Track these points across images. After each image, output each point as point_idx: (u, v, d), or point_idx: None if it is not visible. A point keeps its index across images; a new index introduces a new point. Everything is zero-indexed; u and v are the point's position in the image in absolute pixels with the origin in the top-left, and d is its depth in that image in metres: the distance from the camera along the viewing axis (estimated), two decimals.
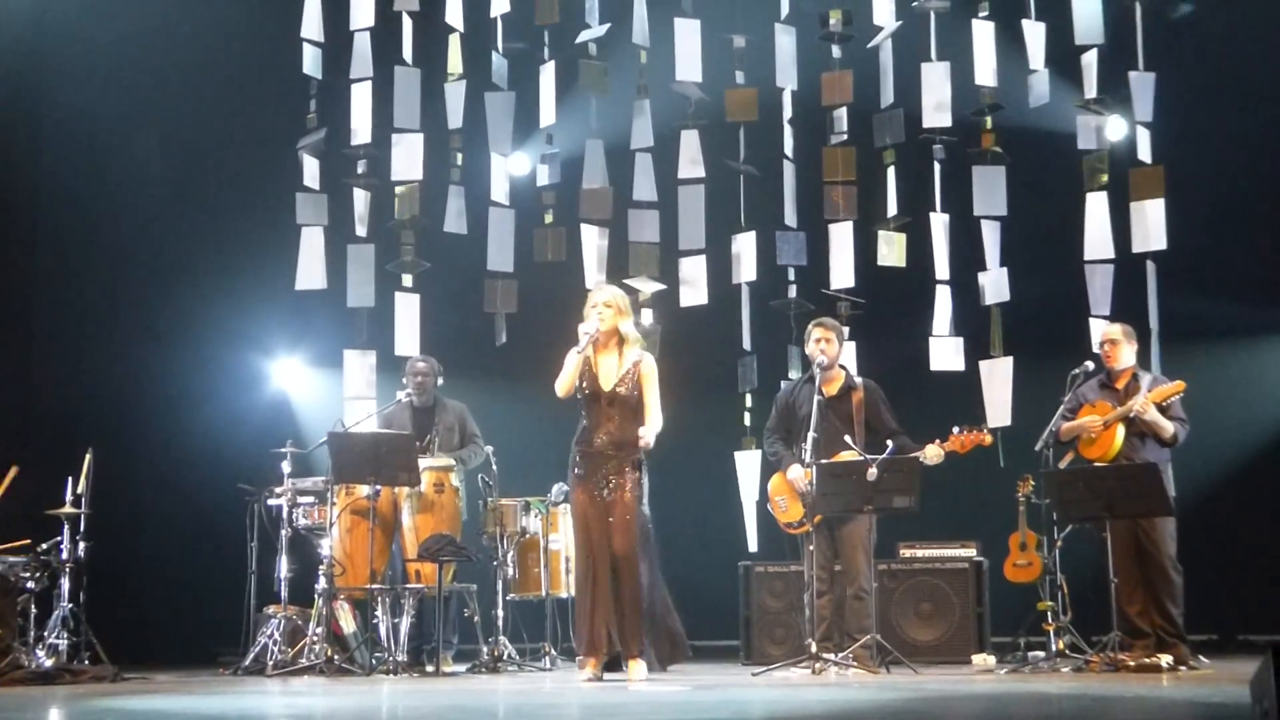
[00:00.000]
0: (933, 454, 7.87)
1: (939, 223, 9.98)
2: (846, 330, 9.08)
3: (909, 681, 7.08)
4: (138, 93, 10.60)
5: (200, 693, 6.92)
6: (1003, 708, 5.33)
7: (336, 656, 8.11)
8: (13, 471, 8.11)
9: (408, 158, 10.30)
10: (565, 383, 7.50)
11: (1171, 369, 8.67)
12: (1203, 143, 9.93)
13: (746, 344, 10.17)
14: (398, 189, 10.38)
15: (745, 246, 10.17)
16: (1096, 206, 9.73)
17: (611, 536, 7.39)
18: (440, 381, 9.21)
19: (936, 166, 10.06)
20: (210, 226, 10.78)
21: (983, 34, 9.90)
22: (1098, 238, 9.69)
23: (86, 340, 10.60)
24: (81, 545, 8.03)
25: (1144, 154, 9.65)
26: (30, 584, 7.94)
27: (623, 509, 7.41)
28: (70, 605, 7.99)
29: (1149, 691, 6.12)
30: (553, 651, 8.69)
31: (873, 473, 7.61)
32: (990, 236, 9.87)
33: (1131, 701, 5.54)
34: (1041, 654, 8.19)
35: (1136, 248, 9.55)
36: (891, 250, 10.04)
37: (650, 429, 7.45)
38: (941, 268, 9.94)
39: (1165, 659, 7.47)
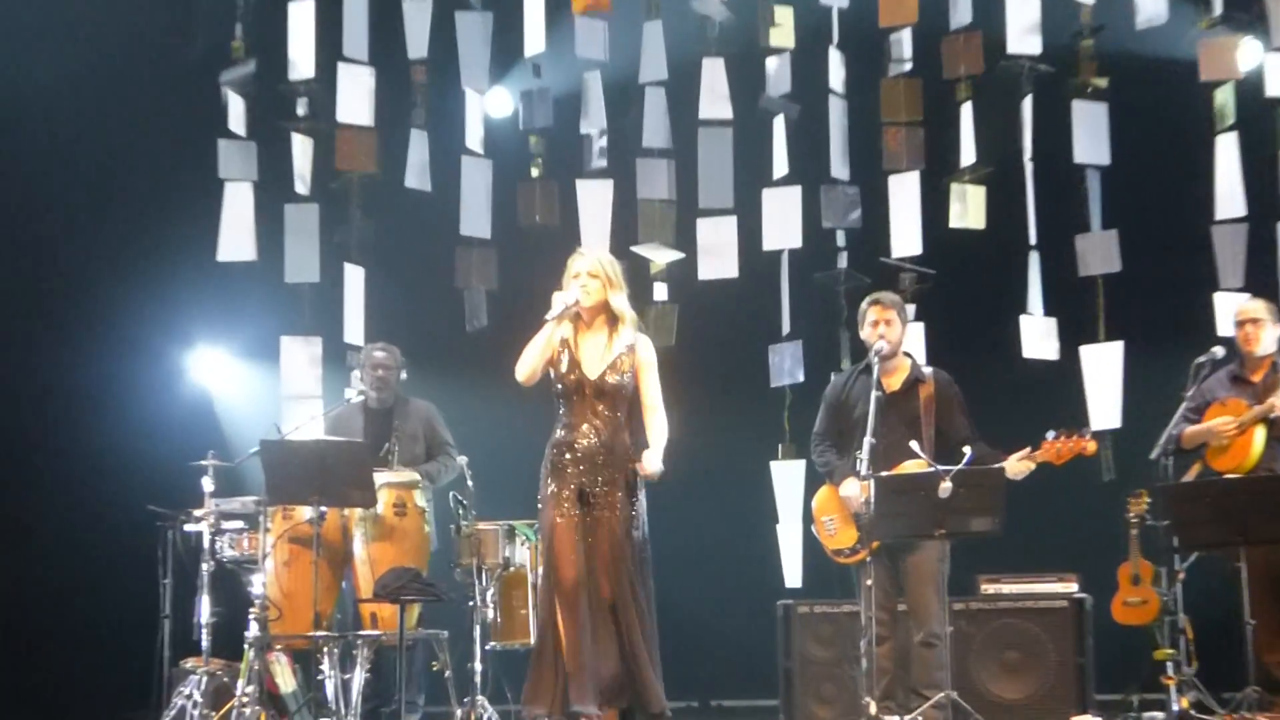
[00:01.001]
0: (1019, 466, 7.80)
1: (1028, 173, 9.92)
2: (912, 310, 9.00)
3: None
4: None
5: None
6: None
7: None
8: None
9: (357, 96, 10.25)
10: (530, 363, 7.32)
11: None
12: None
13: (785, 327, 10.13)
14: (344, 135, 10.34)
15: (783, 205, 10.12)
16: (1226, 153, 9.67)
17: (596, 573, 7.26)
18: (403, 376, 9.21)
19: (1026, 104, 9.99)
20: (111, 183, 10.71)
21: None
22: (1227, 192, 9.66)
23: None
24: None
25: None
26: None
27: (612, 537, 7.25)
28: None
29: None
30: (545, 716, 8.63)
31: (946, 487, 7.54)
32: (1093, 190, 9.82)
33: None
34: (1160, 715, 8.14)
35: None
36: (967, 208, 9.99)
37: (656, 447, 7.32)
38: (1032, 230, 9.88)
39: None
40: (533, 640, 8.51)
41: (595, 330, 7.41)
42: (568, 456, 7.32)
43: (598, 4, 10.15)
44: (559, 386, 7.38)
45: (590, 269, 7.40)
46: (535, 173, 10.46)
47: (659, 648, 7.50)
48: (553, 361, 7.36)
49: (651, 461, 7.27)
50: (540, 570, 7.65)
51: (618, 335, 7.40)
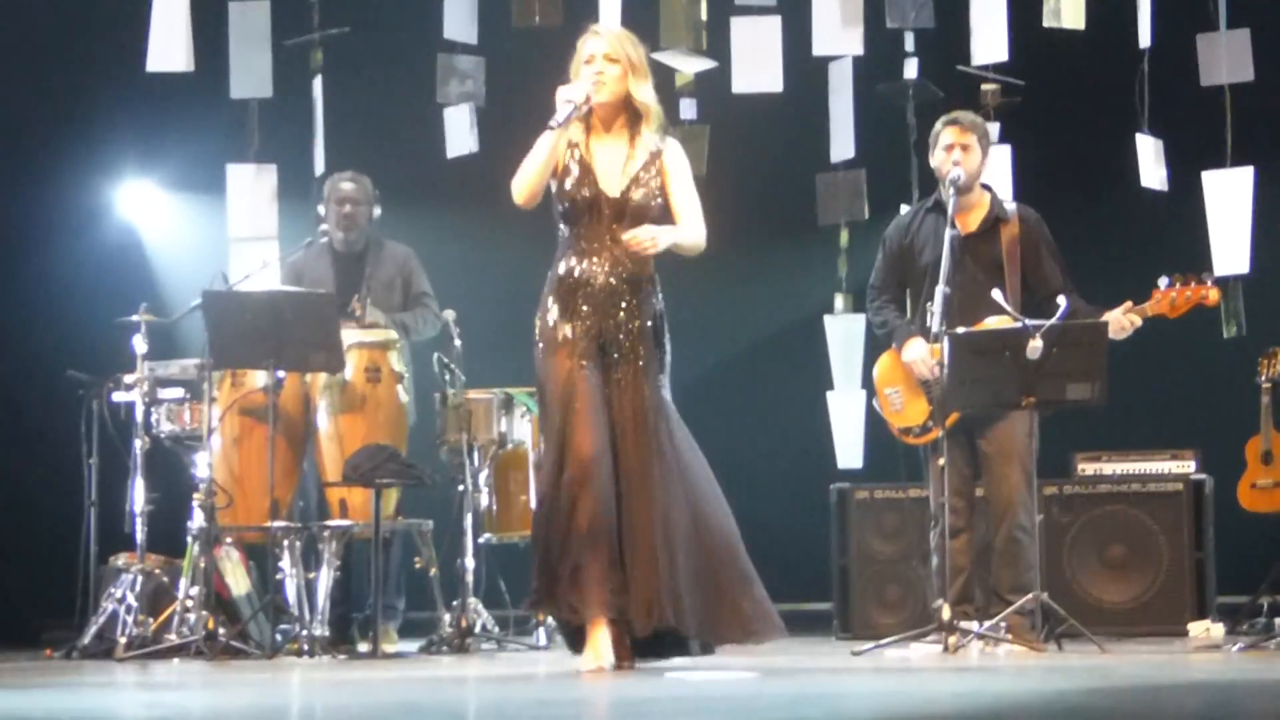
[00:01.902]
0: (1124, 320, 7.81)
1: None
2: (995, 130, 8.96)
3: (1091, 664, 7.09)
4: None
5: (14, 686, 6.96)
6: (1233, 704, 5.32)
7: (221, 630, 8.14)
8: None
9: None
10: (530, 179, 6.87)
11: None
12: None
13: (841, 152, 10.08)
14: None
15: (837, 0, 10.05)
16: None
17: (621, 441, 6.89)
18: (377, 213, 9.22)
19: None
20: None
21: None
22: None
23: None
24: None
25: None
26: None
27: (638, 401, 6.91)
28: None
29: None
30: (548, 619, 8.71)
31: (1036, 346, 7.56)
32: None
33: None
34: None
35: None
36: (1063, 4, 9.91)
37: (684, 230, 6.98)
38: (1145, 31, 9.81)
39: None
40: (534, 529, 8.59)
41: (614, 133, 7.00)
42: (580, 294, 6.91)
43: None
44: (566, 206, 6.95)
45: (608, 51, 6.93)
46: None
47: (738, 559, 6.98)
48: (559, 174, 6.92)
49: (657, 235, 6.85)
50: (542, 442, 7.26)
51: (640, 139, 6.98)
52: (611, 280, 6.89)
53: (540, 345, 6.98)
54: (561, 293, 6.94)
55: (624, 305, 6.91)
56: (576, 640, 6.83)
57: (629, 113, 6.98)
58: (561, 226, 7.01)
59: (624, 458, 6.84)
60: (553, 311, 6.94)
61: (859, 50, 10.06)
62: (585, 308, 6.89)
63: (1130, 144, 9.82)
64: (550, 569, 6.81)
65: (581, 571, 6.72)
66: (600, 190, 6.89)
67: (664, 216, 6.96)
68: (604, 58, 6.90)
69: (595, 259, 6.90)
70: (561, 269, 6.96)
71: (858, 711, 5.08)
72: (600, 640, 6.67)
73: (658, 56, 9.82)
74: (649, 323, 6.94)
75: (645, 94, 6.96)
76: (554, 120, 6.82)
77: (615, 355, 6.89)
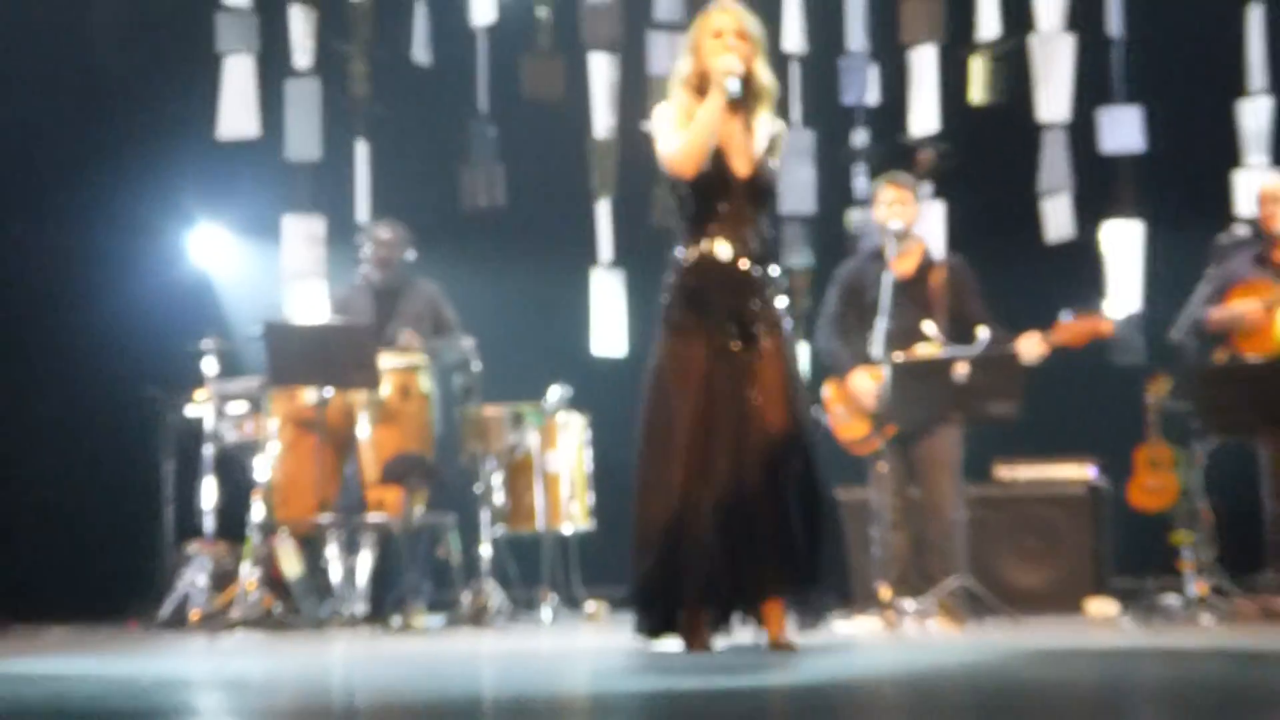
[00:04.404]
0: (1030, 348, 7.79)
1: (1051, 46, 9.87)
2: (927, 189, 9.00)
3: (1007, 637, 7.11)
4: None
5: (106, 651, 6.99)
6: (1127, 669, 5.36)
7: (277, 607, 8.19)
8: None
9: None
10: (699, 148, 5.87)
11: None
12: None
13: (796, 205, 10.08)
14: (351, 6, 10.31)
15: (795, 82, 10.07)
16: (1254, 26, 9.65)
17: (762, 413, 5.92)
18: (410, 255, 9.22)
19: None
20: (103, 62, 10.66)
21: None
22: (1253, 66, 9.63)
23: None
24: None
25: None
26: None
27: (776, 370, 5.98)
28: None
29: None
30: (553, 599, 8.73)
31: (962, 370, 7.59)
32: (1117, 64, 9.79)
33: None
34: (1177, 600, 8.22)
35: None
36: (987, 83, 9.94)
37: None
38: (1053, 105, 9.84)
39: None
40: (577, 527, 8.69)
41: (735, 112, 5.98)
42: (713, 274, 5.97)
43: None
44: (692, 188, 5.99)
45: (739, 27, 5.99)
46: (541, 45, 10.37)
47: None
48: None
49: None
50: (646, 428, 6.00)
51: (759, 119, 6.04)
52: (746, 264, 5.97)
53: (667, 326, 6.03)
54: (688, 281, 6.00)
55: (755, 289, 6.00)
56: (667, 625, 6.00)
57: (750, 90, 6.02)
58: (685, 207, 6.04)
59: (768, 418, 5.91)
60: (681, 294, 6.00)
61: (815, 126, 10.10)
62: (712, 295, 5.96)
63: (1043, 199, 9.88)
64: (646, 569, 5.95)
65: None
66: (731, 169, 5.97)
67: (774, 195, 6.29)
68: (734, 34, 5.97)
69: (724, 241, 5.97)
70: (691, 252, 6.01)
71: (808, 679, 5.10)
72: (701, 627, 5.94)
73: (645, 126, 9.88)
74: (779, 303, 6.07)
75: (767, 74, 6.05)
76: (730, 90, 5.87)
77: (744, 336, 5.95)
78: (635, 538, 5.99)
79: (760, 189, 6.01)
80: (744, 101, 5.96)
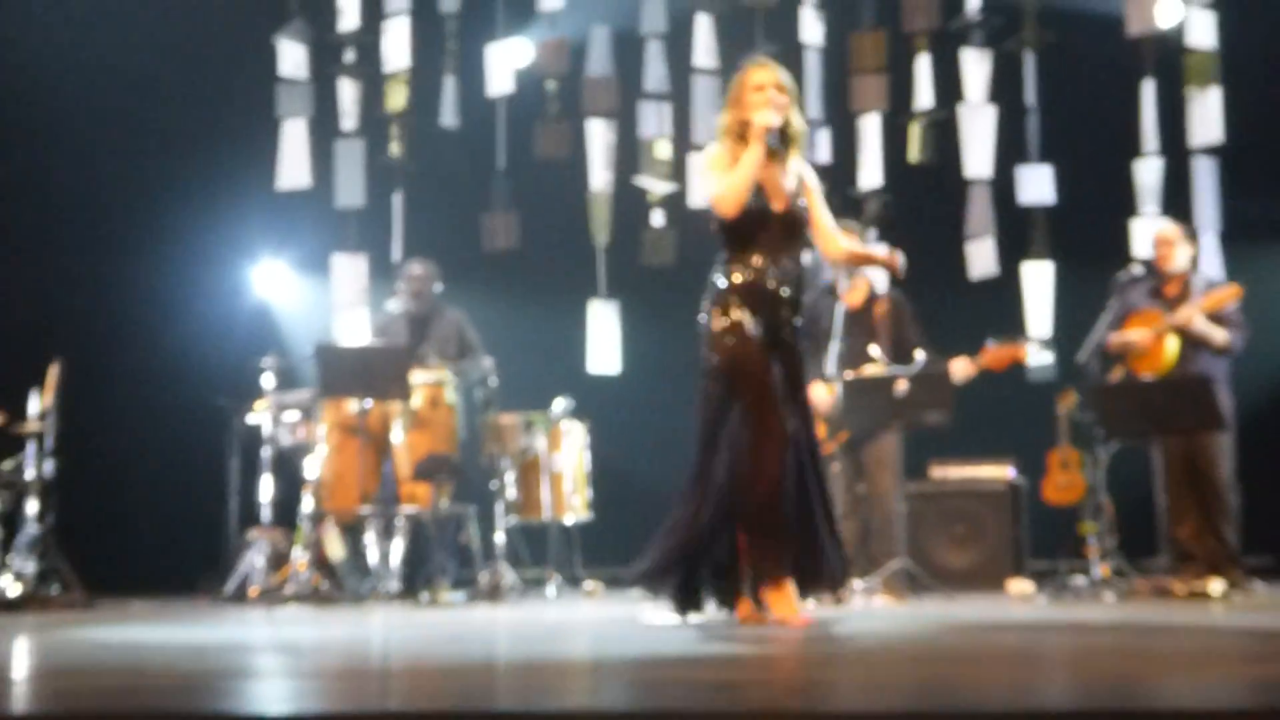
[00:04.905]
0: (960, 369, 7.82)
1: (976, 114, 9.88)
2: (873, 233, 8.99)
3: (940, 610, 7.08)
4: None
5: (179, 621, 6.94)
6: (1040, 637, 5.33)
7: (324, 584, 8.15)
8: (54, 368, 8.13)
9: (398, 44, 10.24)
10: (740, 192, 5.77)
11: (1234, 271, 8.62)
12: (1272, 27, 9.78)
13: None
14: (390, 79, 10.30)
15: None
16: (1147, 96, 9.67)
17: (810, 425, 5.92)
18: (439, 288, 9.19)
19: (972, 54, 9.94)
20: (182, 124, 10.65)
21: None
22: (1146, 131, 9.64)
23: (52, 248, 10.50)
24: (48, 463, 8.03)
25: (1201, 39, 9.56)
26: None
27: (801, 378, 5.97)
28: (37, 528, 8.00)
29: (1198, 620, 6.11)
30: (557, 578, 8.70)
31: (902, 387, 7.58)
32: (1033, 129, 9.80)
33: (1179, 630, 5.52)
34: (1084, 580, 8.20)
35: (1195, 141, 9.49)
36: (913, 145, 9.96)
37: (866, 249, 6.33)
38: (979, 164, 9.85)
39: (1216, 585, 7.47)
40: (579, 517, 8.58)
41: (771, 156, 5.89)
42: (754, 295, 5.83)
43: None
44: (739, 220, 5.84)
45: (779, 81, 5.91)
46: (551, 111, 10.37)
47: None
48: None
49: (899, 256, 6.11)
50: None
51: (791, 160, 5.96)
52: (780, 285, 5.84)
53: (721, 340, 5.81)
54: (737, 296, 5.81)
55: (785, 305, 5.86)
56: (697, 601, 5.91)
57: (785, 136, 5.94)
58: (725, 238, 5.91)
59: (811, 428, 5.95)
60: (732, 312, 5.80)
61: None
62: (758, 308, 5.81)
63: (969, 243, 9.88)
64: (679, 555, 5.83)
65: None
66: (769, 205, 5.89)
67: (806, 227, 6.01)
68: (774, 86, 5.90)
69: (765, 270, 5.83)
70: (734, 278, 5.85)
71: (773, 644, 5.07)
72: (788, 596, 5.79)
73: (638, 182, 9.89)
74: (799, 321, 5.95)
75: (800, 122, 6.00)
76: (770, 138, 5.81)
77: (781, 347, 5.85)
78: (699, 512, 5.80)
79: (795, 222, 5.92)
80: (781, 147, 5.92)
